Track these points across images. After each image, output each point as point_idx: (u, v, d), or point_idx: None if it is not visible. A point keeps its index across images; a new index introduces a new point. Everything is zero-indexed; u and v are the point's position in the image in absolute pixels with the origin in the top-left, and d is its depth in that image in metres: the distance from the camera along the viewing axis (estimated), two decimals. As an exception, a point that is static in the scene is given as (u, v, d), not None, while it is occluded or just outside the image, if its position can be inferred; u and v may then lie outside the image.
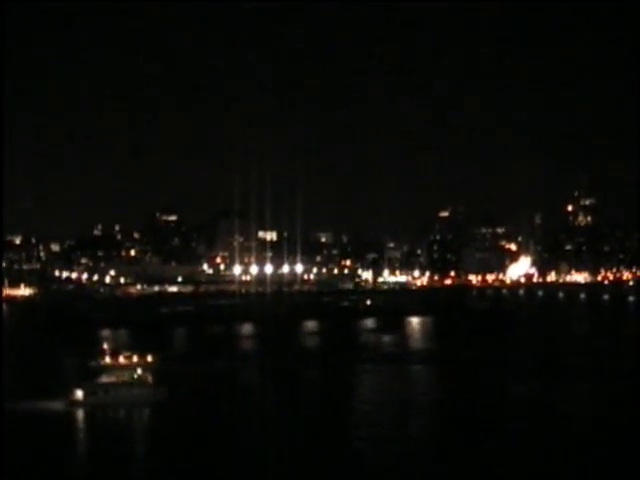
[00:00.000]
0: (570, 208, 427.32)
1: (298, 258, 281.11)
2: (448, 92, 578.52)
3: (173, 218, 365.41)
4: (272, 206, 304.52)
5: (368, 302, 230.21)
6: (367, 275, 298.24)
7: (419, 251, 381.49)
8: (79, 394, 79.12)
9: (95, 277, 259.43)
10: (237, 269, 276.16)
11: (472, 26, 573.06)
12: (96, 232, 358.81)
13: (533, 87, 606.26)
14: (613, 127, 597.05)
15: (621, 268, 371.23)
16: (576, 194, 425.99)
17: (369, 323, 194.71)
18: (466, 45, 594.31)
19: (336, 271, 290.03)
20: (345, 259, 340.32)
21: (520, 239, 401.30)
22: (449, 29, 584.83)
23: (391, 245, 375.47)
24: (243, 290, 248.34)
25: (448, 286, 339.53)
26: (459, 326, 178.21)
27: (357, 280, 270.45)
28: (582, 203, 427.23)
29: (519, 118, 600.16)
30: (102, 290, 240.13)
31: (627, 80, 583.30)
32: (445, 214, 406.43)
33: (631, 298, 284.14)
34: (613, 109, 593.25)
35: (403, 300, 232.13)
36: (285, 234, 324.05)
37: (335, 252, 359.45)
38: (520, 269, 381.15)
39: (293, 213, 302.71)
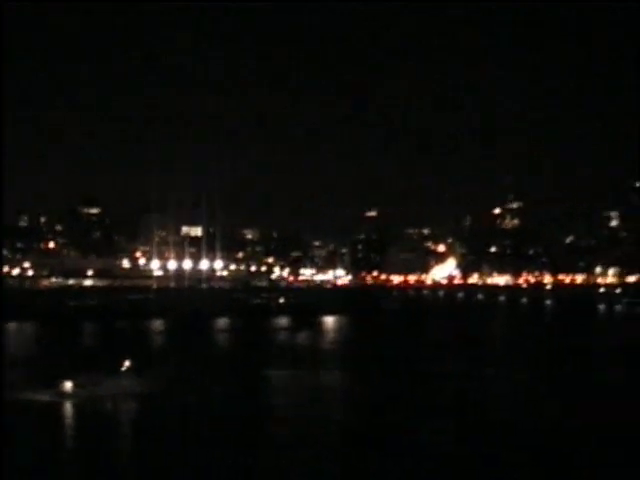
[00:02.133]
0: (497, 211, 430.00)
1: (217, 254, 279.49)
2: (374, 89, 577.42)
3: (95, 211, 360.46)
4: (197, 201, 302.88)
5: (281, 300, 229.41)
6: (285, 273, 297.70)
7: (344, 250, 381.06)
8: (68, 386, 76.85)
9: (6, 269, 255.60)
10: (155, 264, 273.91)
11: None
12: (22, 223, 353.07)
13: (460, 85, 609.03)
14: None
15: (543, 272, 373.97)
16: (510, 197, 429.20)
17: (280, 321, 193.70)
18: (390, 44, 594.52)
19: (253, 268, 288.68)
20: (268, 257, 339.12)
21: (450, 241, 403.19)
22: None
23: (317, 244, 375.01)
24: (159, 285, 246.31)
25: (369, 286, 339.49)
26: (368, 325, 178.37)
27: (272, 278, 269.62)
28: (509, 206, 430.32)
29: (447, 118, 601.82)
30: (11, 282, 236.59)
31: (548, 78, 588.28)
32: (372, 214, 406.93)
33: (548, 302, 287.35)
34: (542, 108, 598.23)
35: (317, 299, 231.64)
36: (211, 230, 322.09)
37: (259, 249, 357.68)
38: (444, 270, 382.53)
39: (217, 209, 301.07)
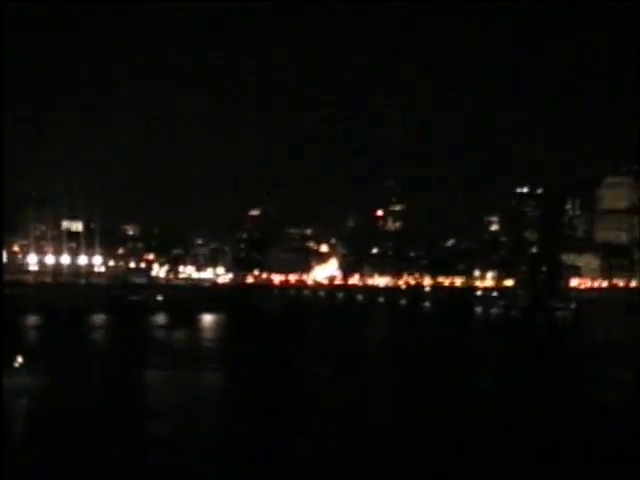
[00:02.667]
0: (380, 213, 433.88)
1: (97, 250, 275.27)
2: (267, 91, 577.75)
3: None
4: (78, 195, 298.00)
5: (159, 297, 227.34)
6: (164, 270, 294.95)
7: (226, 249, 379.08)
8: None
9: None
10: (33, 258, 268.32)
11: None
12: None
13: (350, 90, 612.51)
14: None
15: (423, 274, 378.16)
16: (393, 200, 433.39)
17: (158, 319, 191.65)
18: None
19: (132, 265, 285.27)
20: (148, 253, 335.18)
21: (333, 241, 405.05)
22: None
23: (199, 242, 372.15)
24: (36, 280, 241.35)
25: (250, 285, 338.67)
26: (245, 324, 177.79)
27: (150, 274, 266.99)
28: (392, 208, 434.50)
29: (333, 124, 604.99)
30: None
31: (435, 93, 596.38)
32: (255, 213, 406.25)
33: (427, 304, 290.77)
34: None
35: (196, 297, 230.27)
36: (91, 225, 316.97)
37: (140, 246, 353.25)
38: (326, 271, 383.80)
39: (98, 204, 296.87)
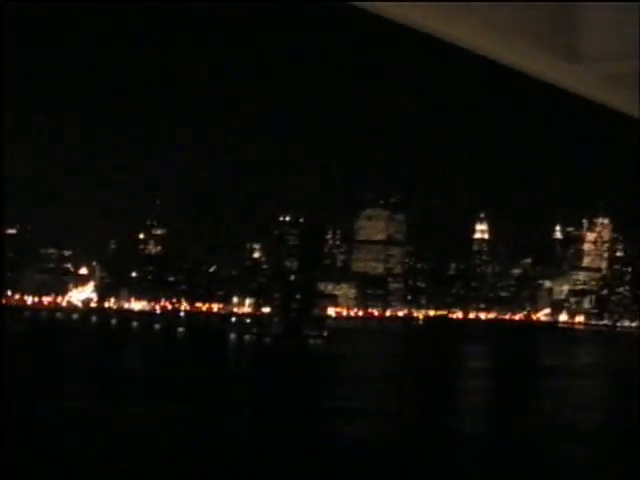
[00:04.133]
0: (142, 236, 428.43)
1: None
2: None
3: None
4: None
5: None
6: None
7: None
8: None
9: None
10: None
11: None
12: None
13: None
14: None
15: (181, 299, 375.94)
16: (148, 223, 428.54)
17: None
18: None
19: None
20: None
21: (94, 264, 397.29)
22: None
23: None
24: None
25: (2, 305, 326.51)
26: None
27: None
28: (154, 232, 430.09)
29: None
30: None
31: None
32: (12, 231, 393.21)
33: (181, 329, 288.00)
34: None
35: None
36: None
37: None
38: (82, 294, 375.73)
39: None
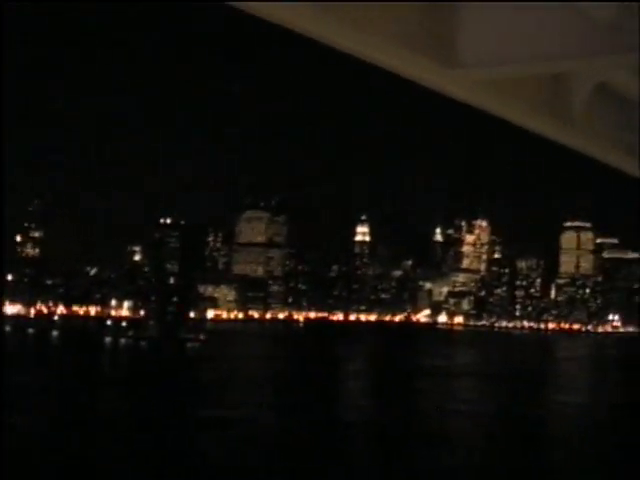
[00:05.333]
0: (19, 239, 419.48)
1: None
2: None
3: None
4: None
5: None
6: None
7: None
8: None
9: None
10: None
11: None
12: None
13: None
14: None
15: (58, 302, 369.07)
16: (26, 225, 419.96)
17: None
18: None
19: None
20: None
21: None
22: None
23: None
24: None
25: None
26: None
27: None
28: (31, 235, 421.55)
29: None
30: None
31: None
32: None
33: (55, 332, 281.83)
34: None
35: None
36: None
37: None
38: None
39: None
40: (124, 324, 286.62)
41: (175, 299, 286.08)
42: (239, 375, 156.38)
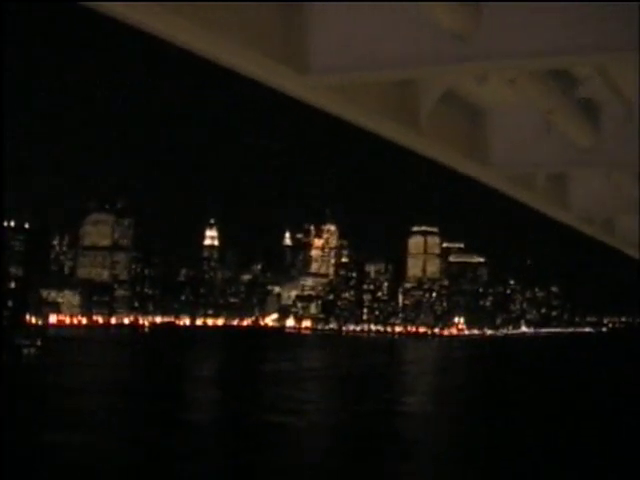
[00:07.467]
0: None
1: None
2: None
3: None
4: None
5: None
6: None
7: None
8: None
9: None
10: None
11: None
12: None
13: None
14: None
15: None
16: None
17: None
18: None
19: None
20: None
21: None
22: None
23: None
24: None
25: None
26: None
27: None
28: None
29: None
30: None
31: None
32: None
33: None
34: None
35: None
36: None
37: None
38: None
39: None
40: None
41: (9, 304, 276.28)
42: (71, 383, 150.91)
